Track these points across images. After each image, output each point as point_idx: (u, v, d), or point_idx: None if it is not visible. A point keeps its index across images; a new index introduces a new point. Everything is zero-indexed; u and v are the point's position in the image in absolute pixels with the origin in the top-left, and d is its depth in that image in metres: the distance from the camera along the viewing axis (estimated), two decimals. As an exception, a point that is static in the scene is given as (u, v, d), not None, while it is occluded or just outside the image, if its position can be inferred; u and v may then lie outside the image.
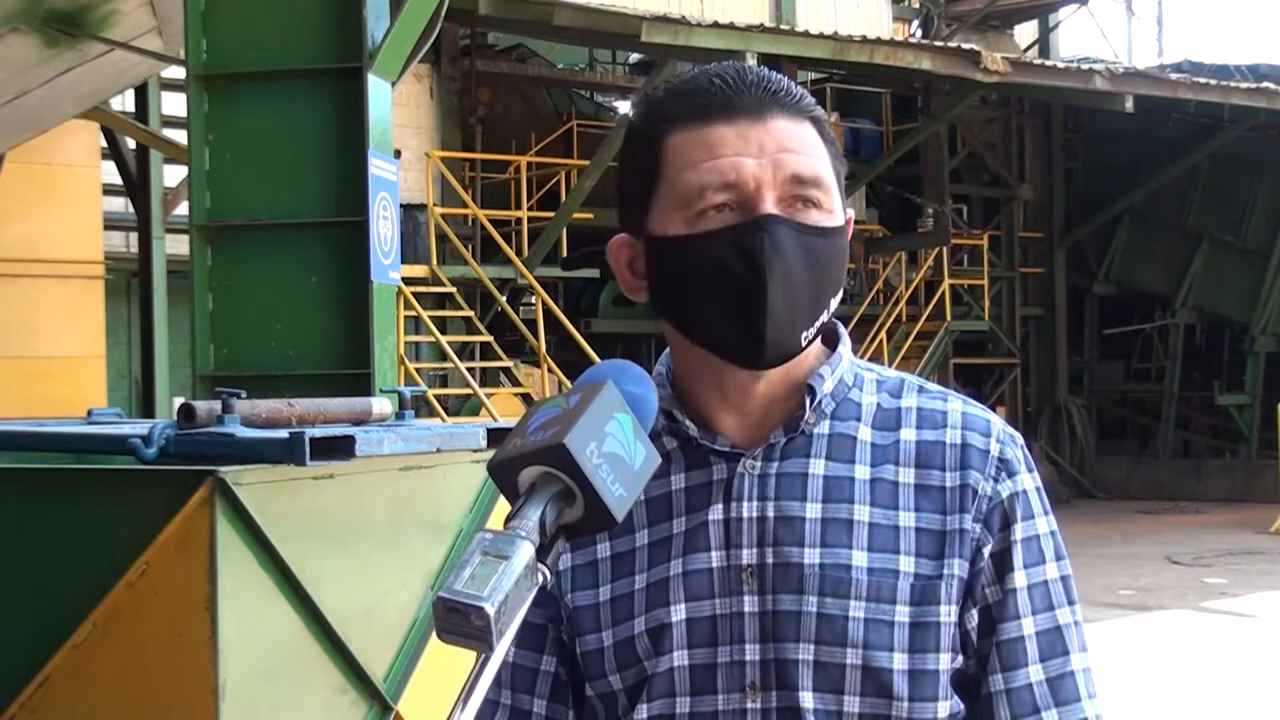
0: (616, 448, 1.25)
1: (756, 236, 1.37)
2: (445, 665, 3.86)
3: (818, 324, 1.41)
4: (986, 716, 1.43)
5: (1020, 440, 1.49)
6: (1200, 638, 10.61)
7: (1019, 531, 1.44)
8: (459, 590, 1.16)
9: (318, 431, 3.56)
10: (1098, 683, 1.47)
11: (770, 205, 1.38)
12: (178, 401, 5.02)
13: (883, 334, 19.23)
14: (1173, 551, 15.23)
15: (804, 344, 1.41)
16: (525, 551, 1.19)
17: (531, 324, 15.63)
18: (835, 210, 1.42)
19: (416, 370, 14.65)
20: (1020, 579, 1.43)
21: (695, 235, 1.39)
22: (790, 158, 1.39)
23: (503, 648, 1.18)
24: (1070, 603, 1.46)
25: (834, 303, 1.42)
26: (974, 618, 1.43)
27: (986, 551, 1.43)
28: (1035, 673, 1.43)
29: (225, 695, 3.43)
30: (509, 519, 1.23)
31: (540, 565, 1.21)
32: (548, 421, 1.25)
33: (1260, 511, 17.86)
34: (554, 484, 1.23)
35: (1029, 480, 1.46)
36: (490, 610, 1.15)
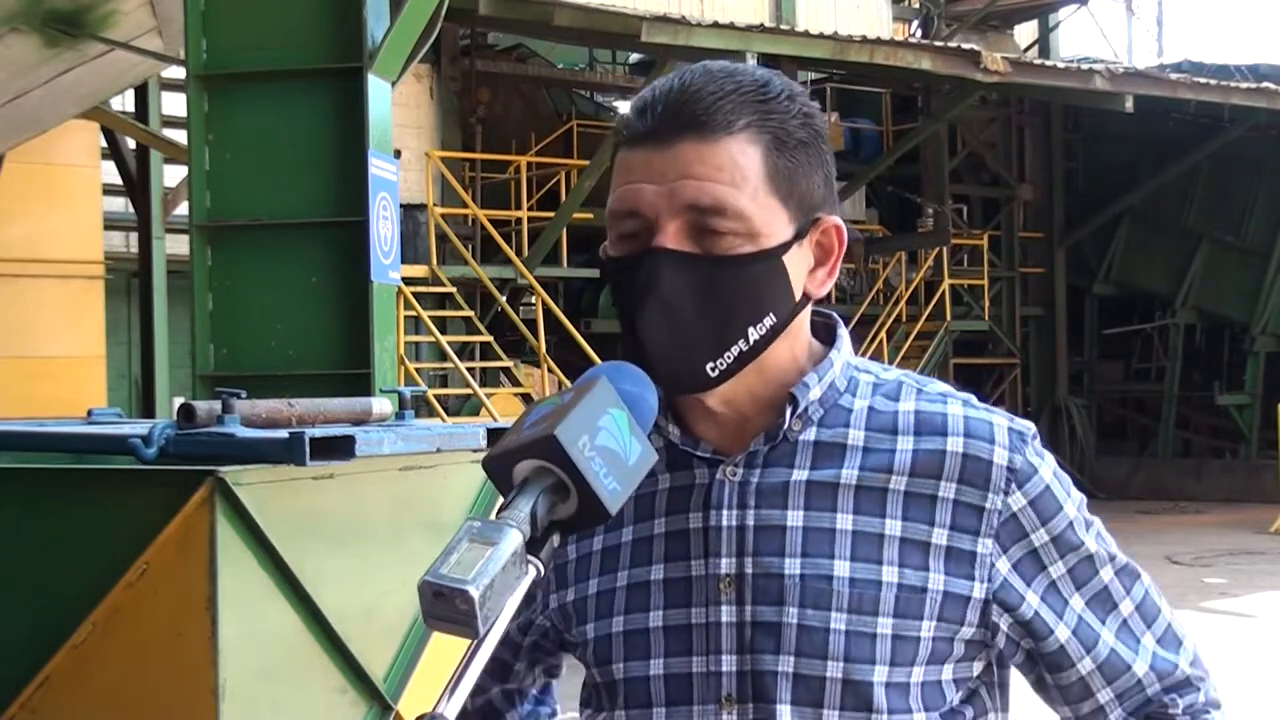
0: (610, 442, 1.24)
1: (638, 270, 1.34)
2: (445, 665, 3.86)
3: (730, 355, 1.35)
4: (1083, 693, 1.46)
5: (1028, 431, 1.43)
6: (1200, 638, 10.54)
7: (1048, 532, 1.41)
8: (444, 574, 1.16)
9: (318, 431, 3.55)
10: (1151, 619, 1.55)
11: (667, 236, 1.33)
12: (178, 401, 5.02)
13: (883, 334, 19.22)
14: (1173, 551, 15.21)
15: (714, 375, 1.36)
16: (513, 539, 1.18)
17: (531, 324, 15.62)
18: (757, 234, 1.34)
19: (416, 370, 14.65)
20: (1059, 568, 1.43)
21: (610, 259, 1.38)
22: (689, 185, 1.33)
23: (491, 634, 1.17)
24: (1112, 559, 1.47)
25: (756, 331, 1.36)
26: (1008, 619, 1.41)
27: (1008, 561, 1.40)
28: (1106, 639, 1.47)
29: (225, 695, 3.43)
30: (500, 510, 1.22)
31: (530, 558, 1.20)
32: (542, 418, 1.25)
33: (1260, 511, 17.84)
34: (547, 477, 1.23)
35: (1046, 472, 1.42)
36: (474, 593, 1.14)
